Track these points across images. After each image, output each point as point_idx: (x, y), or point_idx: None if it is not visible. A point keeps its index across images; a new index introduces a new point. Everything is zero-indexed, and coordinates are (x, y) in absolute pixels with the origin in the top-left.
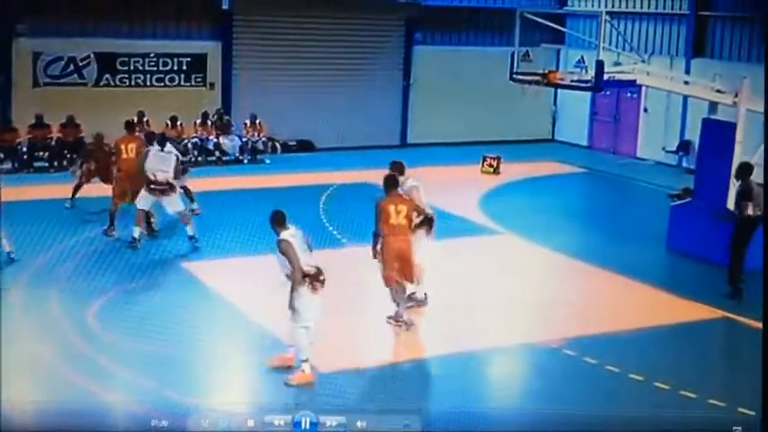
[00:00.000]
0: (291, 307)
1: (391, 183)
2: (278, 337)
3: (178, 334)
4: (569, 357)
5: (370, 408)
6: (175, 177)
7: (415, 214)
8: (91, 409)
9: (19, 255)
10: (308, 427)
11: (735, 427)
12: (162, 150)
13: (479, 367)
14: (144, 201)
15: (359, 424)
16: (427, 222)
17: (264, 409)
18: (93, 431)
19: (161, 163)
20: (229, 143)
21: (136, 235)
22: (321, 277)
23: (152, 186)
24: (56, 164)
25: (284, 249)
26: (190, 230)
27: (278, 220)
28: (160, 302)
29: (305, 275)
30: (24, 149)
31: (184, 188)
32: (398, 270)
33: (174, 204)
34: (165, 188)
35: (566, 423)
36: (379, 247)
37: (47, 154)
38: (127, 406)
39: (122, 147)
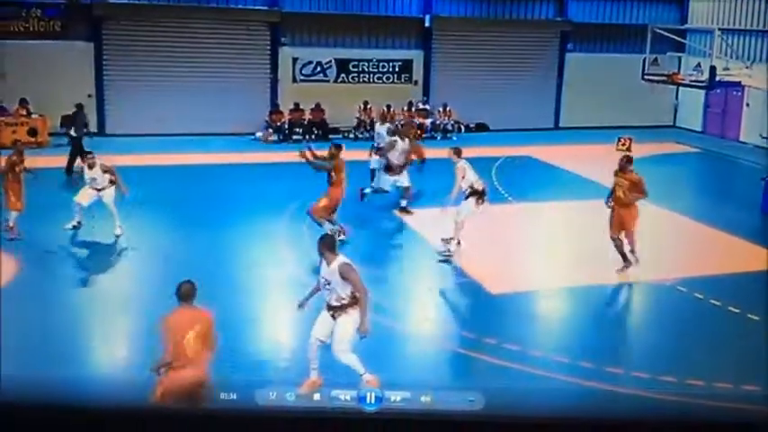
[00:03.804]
0: (365, 330)
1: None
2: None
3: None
4: (681, 293)
5: (436, 383)
6: None
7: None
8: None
9: (280, 201)
10: (372, 401)
11: None
12: None
13: (603, 296)
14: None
15: (423, 399)
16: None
17: (330, 383)
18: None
19: None
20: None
21: None
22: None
23: None
24: (307, 137)
25: (348, 273)
26: None
27: (329, 245)
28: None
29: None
30: (286, 126)
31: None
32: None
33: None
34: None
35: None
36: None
37: (301, 130)
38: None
39: None
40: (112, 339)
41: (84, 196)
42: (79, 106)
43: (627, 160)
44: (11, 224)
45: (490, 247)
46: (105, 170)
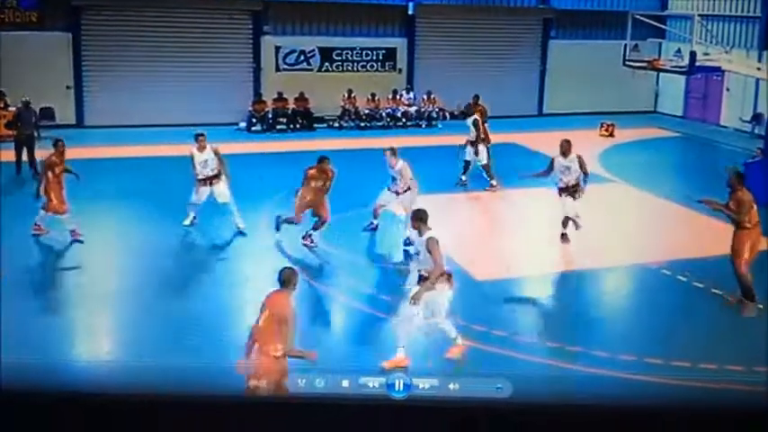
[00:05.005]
0: (417, 299)
1: None
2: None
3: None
4: (666, 276)
5: (463, 370)
6: None
7: None
8: (188, 367)
9: (265, 191)
10: (401, 388)
11: None
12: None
13: (591, 282)
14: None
15: (451, 386)
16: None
17: (359, 371)
18: (191, 391)
19: None
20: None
21: None
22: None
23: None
24: (291, 126)
25: (432, 247)
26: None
27: (422, 218)
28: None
29: (444, 274)
30: (270, 116)
31: None
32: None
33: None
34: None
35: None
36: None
37: (285, 120)
38: (224, 365)
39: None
40: (123, 327)
41: (201, 195)
42: (25, 103)
43: (736, 176)
44: (39, 222)
45: (476, 233)
46: (215, 151)
